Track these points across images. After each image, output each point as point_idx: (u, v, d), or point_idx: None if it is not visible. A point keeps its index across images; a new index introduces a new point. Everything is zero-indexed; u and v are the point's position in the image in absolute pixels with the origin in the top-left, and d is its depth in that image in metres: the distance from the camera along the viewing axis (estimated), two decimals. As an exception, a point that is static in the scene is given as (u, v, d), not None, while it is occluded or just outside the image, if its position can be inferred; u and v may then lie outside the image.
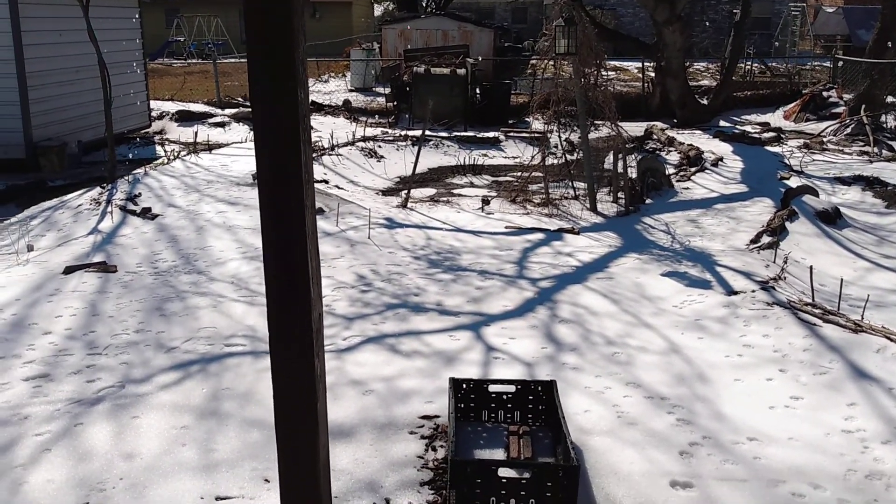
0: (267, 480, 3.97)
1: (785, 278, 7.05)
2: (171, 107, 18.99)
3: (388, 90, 20.14)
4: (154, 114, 17.76)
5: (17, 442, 4.37)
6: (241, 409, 4.72)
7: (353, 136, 14.77)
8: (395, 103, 19.00)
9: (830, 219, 9.37)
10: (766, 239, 8.34)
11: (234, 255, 7.81)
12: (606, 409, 4.73)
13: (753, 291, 6.60)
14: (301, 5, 2.09)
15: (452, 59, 19.76)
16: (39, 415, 4.69)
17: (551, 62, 11.03)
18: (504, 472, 3.73)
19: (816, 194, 10.19)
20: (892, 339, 5.57)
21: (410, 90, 17.97)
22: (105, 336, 5.89)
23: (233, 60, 30.22)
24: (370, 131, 15.88)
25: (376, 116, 19.14)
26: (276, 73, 2.07)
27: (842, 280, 6.58)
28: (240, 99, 20.71)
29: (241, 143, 14.74)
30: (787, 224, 8.91)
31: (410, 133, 15.42)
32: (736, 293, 6.65)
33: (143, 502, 3.83)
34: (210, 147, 13.49)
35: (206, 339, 5.81)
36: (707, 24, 33.75)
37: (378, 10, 45.69)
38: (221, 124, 17.12)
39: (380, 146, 14.48)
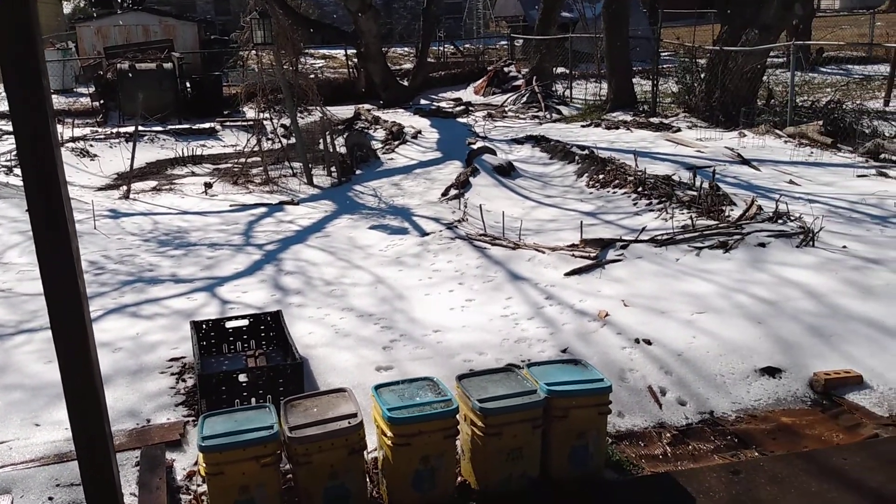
0: (37, 425, 4.55)
1: (467, 219, 8.66)
2: None
3: (91, 90, 19.54)
4: None
5: None
6: (-3, 380, 5.16)
7: (62, 136, 14.41)
8: (102, 102, 18.56)
9: (505, 171, 11.31)
10: (453, 192, 9.98)
11: None
12: (326, 329, 5.85)
13: (441, 231, 8.10)
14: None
15: (157, 54, 19.67)
16: None
17: (254, 52, 11.85)
18: (244, 378, 4.68)
19: (494, 153, 12.13)
20: (539, 251, 7.32)
21: (117, 87, 17.72)
22: None
23: None
24: (78, 132, 15.52)
25: (83, 117, 18.53)
26: None
27: (503, 213, 8.31)
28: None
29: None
30: (471, 179, 10.66)
31: (122, 130, 15.37)
32: (428, 234, 8.11)
33: (-85, 463, 4.24)
34: None
35: (-57, 332, 6.01)
36: (404, 10, 36.24)
37: (67, 8, 42.63)
38: None
39: (91, 145, 14.33)
